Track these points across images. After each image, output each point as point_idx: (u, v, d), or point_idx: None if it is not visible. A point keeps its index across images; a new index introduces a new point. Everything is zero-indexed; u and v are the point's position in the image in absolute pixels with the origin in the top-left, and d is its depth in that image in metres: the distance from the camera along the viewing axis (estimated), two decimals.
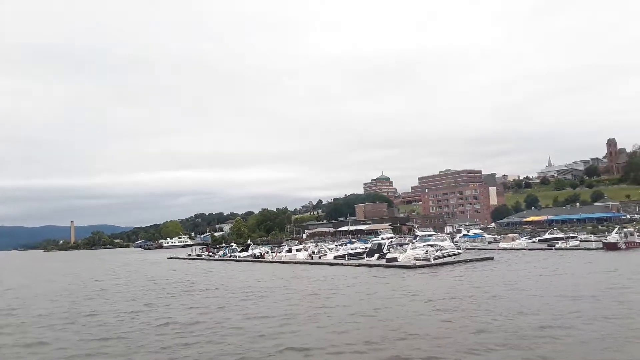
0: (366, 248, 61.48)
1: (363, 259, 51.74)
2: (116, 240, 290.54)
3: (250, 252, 73.21)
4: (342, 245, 70.60)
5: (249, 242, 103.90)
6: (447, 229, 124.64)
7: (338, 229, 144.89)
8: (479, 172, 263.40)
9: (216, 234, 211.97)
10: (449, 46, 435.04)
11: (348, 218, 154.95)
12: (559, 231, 73.61)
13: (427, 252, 45.94)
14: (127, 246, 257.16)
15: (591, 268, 37.45)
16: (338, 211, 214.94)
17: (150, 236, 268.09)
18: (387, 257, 46.19)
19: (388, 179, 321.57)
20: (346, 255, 53.98)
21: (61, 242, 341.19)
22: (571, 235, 69.43)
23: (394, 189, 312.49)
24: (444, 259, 44.78)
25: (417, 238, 65.63)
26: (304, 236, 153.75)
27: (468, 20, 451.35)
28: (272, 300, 26.79)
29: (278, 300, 26.99)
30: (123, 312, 25.10)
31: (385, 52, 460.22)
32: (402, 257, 45.95)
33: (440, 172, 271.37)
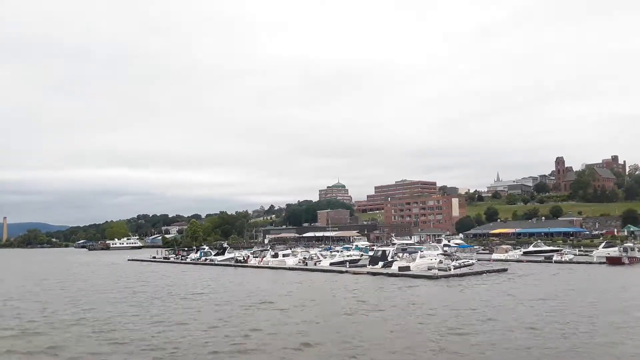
0: (361, 255, 58.18)
1: (358, 266, 48.55)
2: (54, 240, 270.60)
3: (227, 255, 67.84)
4: (323, 250, 66.86)
5: (204, 245, 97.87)
6: (414, 238, 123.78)
7: (302, 235, 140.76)
8: (434, 183, 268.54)
9: (167, 235, 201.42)
10: (396, 59, 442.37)
11: (313, 224, 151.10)
12: (542, 244, 73.53)
13: (441, 262, 43.13)
14: (67, 246, 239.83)
15: (614, 283, 35.86)
16: (296, 217, 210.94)
17: (92, 236, 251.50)
18: (399, 265, 42.89)
19: (344, 186, 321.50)
20: (347, 262, 50.24)
21: None
22: (555, 248, 69.27)
23: (349, 196, 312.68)
24: (461, 269, 42.14)
25: (408, 246, 63.06)
26: (266, 241, 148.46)
27: (417, 36, 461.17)
28: (356, 321, 22.16)
29: (362, 321, 21.87)
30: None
31: (335, 59, 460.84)
32: (413, 266, 42.92)
33: (396, 182, 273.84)
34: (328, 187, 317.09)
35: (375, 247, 56.80)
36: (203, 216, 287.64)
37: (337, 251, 63.38)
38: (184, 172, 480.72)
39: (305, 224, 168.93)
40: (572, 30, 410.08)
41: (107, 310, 25.37)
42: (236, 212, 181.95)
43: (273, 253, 61.93)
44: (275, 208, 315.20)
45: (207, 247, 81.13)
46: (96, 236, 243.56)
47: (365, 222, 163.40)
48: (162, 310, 25.00)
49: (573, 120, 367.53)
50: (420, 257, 45.81)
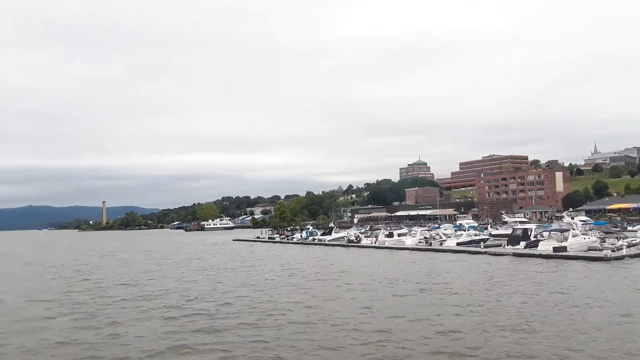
0: (490, 235, 53.28)
1: (490, 246, 43.90)
2: (149, 222, 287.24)
3: (335, 235, 65.55)
4: (430, 228, 62.34)
5: (308, 225, 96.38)
6: (519, 216, 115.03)
7: (393, 214, 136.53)
8: (526, 157, 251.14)
9: (255, 216, 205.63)
10: (473, 29, 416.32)
11: (403, 203, 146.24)
12: None
13: (603, 241, 37.40)
14: (161, 227, 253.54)
15: None
16: (381, 196, 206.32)
17: (183, 218, 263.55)
18: (553, 246, 37.72)
19: (425, 163, 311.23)
20: (481, 242, 45.73)
21: (91, 222, 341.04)
22: None
23: (432, 174, 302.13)
24: (629, 249, 36.20)
25: (548, 225, 56.89)
26: (355, 221, 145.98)
27: (493, 3, 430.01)
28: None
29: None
30: None
31: (409, 33, 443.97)
32: (568, 246, 37.54)
33: (483, 157, 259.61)
34: (409, 164, 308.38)
35: (513, 226, 51.43)
36: (282, 197, 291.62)
37: (463, 229, 58.74)
38: (259, 154, 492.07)
39: (396, 203, 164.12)
40: None
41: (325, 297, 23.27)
42: (323, 192, 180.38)
43: (387, 232, 58.55)
44: (354, 188, 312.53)
45: (311, 227, 79.65)
46: (187, 218, 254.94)
47: (457, 200, 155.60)
48: (359, 297, 22.34)
49: None
50: (573, 235, 40.22)
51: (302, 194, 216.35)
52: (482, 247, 44.03)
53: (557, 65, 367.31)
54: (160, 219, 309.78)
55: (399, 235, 56.15)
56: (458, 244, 47.86)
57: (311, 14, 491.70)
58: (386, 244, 53.56)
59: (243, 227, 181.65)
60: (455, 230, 58.73)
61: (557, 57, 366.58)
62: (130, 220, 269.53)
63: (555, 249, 37.01)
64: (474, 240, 48.50)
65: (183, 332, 16.05)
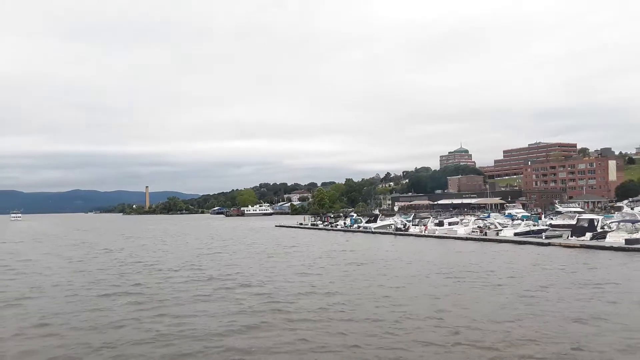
0: (549, 225, 50.66)
1: (552, 237, 41.55)
2: (191, 207, 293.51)
3: (380, 223, 64.17)
4: (481, 217, 59.87)
5: (352, 213, 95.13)
6: (574, 206, 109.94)
7: (435, 202, 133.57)
8: (574, 145, 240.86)
9: (294, 203, 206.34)
10: (518, 14, 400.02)
11: (445, 191, 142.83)
12: None
13: None
14: (202, 212, 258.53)
15: None
16: (421, 184, 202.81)
17: (222, 203, 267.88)
18: (625, 238, 35.19)
19: (467, 151, 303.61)
20: (542, 233, 43.40)
21: (134, 206, 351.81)
22: None
23: (473, 162, 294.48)
24: None
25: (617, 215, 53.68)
26: (395, 209, 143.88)
27: None
28: None
29: None
30: None
31: (452, 19, 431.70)
32: None
33: (529, 144, 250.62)
34: (450, 152, 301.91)
35: (578, 216, 48.53)
36: (319, 184, 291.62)
37: (519, 219, 56.19)
38: (298, 142, 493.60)
39: (438, 191, 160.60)
40: None
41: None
42: (362, 179, 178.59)
43: (437, 221, 56.74)
44: (392, 175, 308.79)
45: (355, 214, 78.57)
46: (227, 203, 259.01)
47: (503, 189, 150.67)
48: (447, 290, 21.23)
49: None
50: None
51: (339, 181, 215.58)
52: (543, 238, 41.75)
53: (609, 50, 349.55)
54: (200, 204, 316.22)
55: (450, 224, 54.26)
56: (516, 234, 45.63)
57: (353, 2, 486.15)
58: (436, 233, 51.83)
59: (281, 213, 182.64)
60: (512, 220, 56.18)
61: (610, 41, 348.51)
62: (172, 205, 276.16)
63: (627, 241, 34.51)
64: (533, 230, 46.16)
65: (250, 314, 15.31)
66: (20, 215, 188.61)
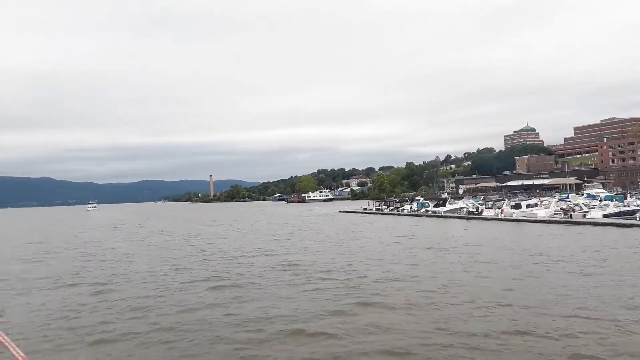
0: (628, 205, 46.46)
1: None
2: (253, 194, 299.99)
3: (449, 207, 61.78)
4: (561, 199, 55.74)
5: (419, 197, 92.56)
6: None
7: (504, 184, 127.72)
8: None
9: (354, 188, 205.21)
10: None
11: (513, 172, 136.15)
12: None
13: None
14: (264, 199, 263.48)
15: None
16: (485, 165, 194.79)
17: (283, 190, 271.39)
18: None
19: (534, 129, 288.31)
20: (637, 214, 39.75)
21: (199, 194, 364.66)
22: None
23: (541, 140, 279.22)
24: None
25: None
26: (460, 192, 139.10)
27: None
28: None
29: None
30: None
31: None
32: None
33: (602, 120, 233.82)
34: (515, 131, 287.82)
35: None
36: (377, 169, 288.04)
37: (597, 199, 52.11)
38: (354, 127, 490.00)
39: (506, 172, 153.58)
40: None
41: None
42: (424, 162, 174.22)
43: (513, 203, 53.69)
44: (452, 157, 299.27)
45: (422, 198, 76.39)
46: (287, 190, 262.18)
47: (576, 168, 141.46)
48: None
49: None
50: None
51: (397, 165, 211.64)
52: (638, 219, 38.17)
53: None
54: (261, 192, 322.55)
55: (528, 206, 51.10)
56: (605, 215, 42.11)
57: None
58: (514, 216, 49.00)
59: (341, 198, 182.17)
60: (597, 201, 51.98)
61: None
62: (235, 192, 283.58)
63: None
64: (624, 211, 42.41)
65: (336, 300, 14.46)
66: (95, 205, 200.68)
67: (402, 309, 14.09)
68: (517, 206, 51.79)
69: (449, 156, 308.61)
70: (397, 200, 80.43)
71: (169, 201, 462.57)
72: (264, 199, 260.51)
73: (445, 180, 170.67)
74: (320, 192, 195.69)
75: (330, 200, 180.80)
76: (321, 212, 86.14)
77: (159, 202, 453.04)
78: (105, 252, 32.15)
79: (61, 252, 33.33)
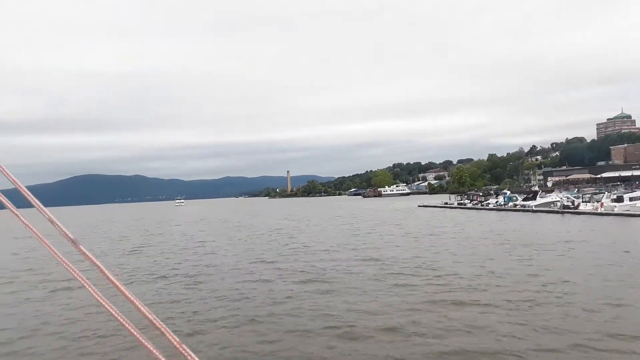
0: None
1: None
2: (329, 189, 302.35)
3: (540, 200, 57.96)
4: None
5: (505, 190, 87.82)
6: None
7: (599, 175, 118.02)
8: None
9: (432, 182, 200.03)
10: None
11: (609, 163, 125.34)
12: None
13: None
14: (339, 194, 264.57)
15: None
16: (576, 156, 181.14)
17: (358, 185, 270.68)
18: None
19: (629, 117, 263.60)
20: None
21: (277, 190, 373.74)
22: None
23: (638, 128, 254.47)
24: None
25: None
26: (549, 184, 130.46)
27: None
28: None
29: None
30: None
31: None
32: None
33: None
34: (608, 119, 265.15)
35: None
36: (454, 162, 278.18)
37: None
38: (430, 119, 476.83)
39: (601, 163, 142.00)
40: None
41: None
42: (507, 154, 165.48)
43: (614, 196, 49.28)
44: (538, 148, 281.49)
45: (509, 192, 72.47)
46: (362, 185, 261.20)
47: None
48: None
49: None
50: None
51: (476, 157, 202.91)
52: None
53: None
54: (336, 187, 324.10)
55: (631, 199, 46.63)
56: None
57: None
58: (615, 210, 44.92)
59: (419, 193, 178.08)
60: None
61: None
62: (312, 188, 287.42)
63: None
64: None
65: (428, 298, 13.79)
66: (183, 201, 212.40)
67: (501, 309, 13.18)
68: (619, 199, 47.45)
69: (534, 147, 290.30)
70: (481, 194, 76.87)
71: (249, 196, 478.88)
72: (340, 194, 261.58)
73: (531, 172, 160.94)
74: (397, 186, 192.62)
75: (407, 194, 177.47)
76: (399, 207, 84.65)
77: (239, 198, 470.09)
78: (196, 246, 33.64)
79: (156, 245, 35.41)
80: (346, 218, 59.51)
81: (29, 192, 1.59)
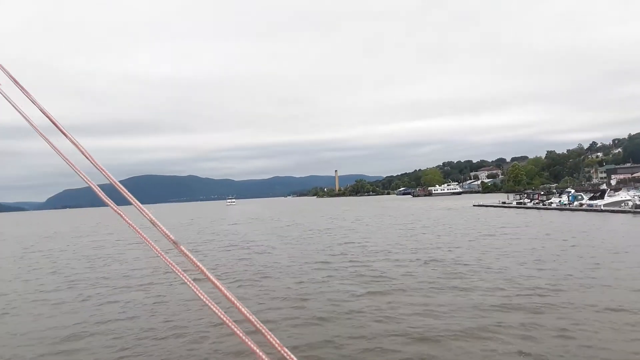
0: None
1: None
2: (377, 188, 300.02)
3: (610, 199, 54.33)
4: None
5: (569, 189, 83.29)
6: None
7: None
8: None
9: (485, 180, 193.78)
10: None
11: None
12: None
13: None
14: (388, 194, 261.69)
15: None
16: None
17: (406, 184, 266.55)
18: None
19: None
20: None
21: (326, 189, 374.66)
22: None
23: None
24: None
25: None
26: (612, 182, 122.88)
27: None
28: None
29: None
30: None
31: None
32: None
33: None
34: None
35: None
36: (508, 159, 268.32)
37: None
38: (482, 116, 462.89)
39: None
40: None
41: None
42: (567, 151, 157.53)
43: None
44: (598, 145, 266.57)
45: (573, 190, 68.54)
46: (411, 184, 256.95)
47: None
48: None
49: None
50: None
51: (531, 155, 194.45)
52: None
53: None
54: (385, 186, 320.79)
55: None
56: None
57: None
58: None
59: (471, 192, 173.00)
60: None
61: None
62: (360, 187, 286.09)
63: None
64: None
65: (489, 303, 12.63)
66: (234, 200, 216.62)
67: (598, 317, 11.84)
68: None
69: (594, 143, 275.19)
70: (543, 193, 73.08)
71: (297, 196, 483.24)
72: (388, 193, 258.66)
73: (592, 170, 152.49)
74: (448, 185, 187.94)
75: (459, 193, 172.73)
76: (452, 206, 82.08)
77: (288, 197, 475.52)
78: (249, 245, 33.57)
79: (210, 242, 35.70)
80: (398, 218, 58.13)
81: (131, 196, 1.60)
